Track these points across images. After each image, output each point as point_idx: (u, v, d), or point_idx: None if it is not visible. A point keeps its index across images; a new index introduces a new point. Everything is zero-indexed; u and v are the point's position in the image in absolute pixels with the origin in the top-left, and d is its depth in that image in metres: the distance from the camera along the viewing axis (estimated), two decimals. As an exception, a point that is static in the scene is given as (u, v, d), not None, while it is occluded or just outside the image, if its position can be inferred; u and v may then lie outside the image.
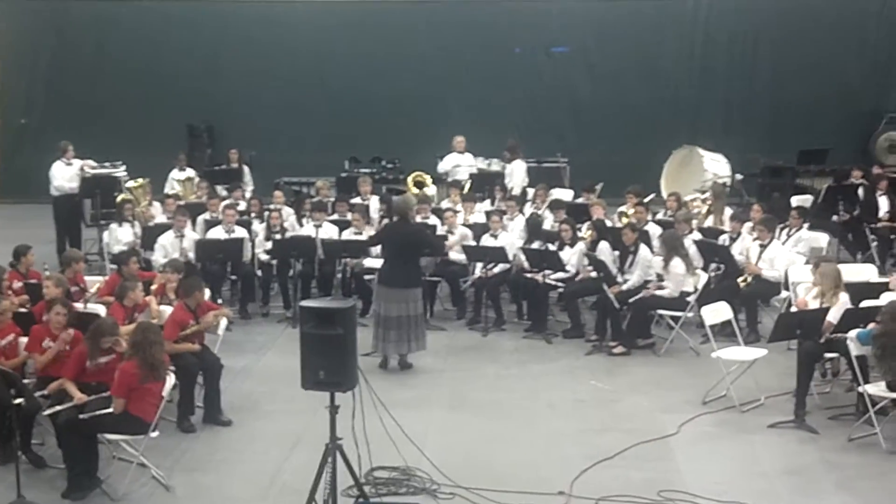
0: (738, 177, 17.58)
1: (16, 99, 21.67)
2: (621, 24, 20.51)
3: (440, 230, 12.90)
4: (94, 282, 10.86)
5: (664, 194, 15.57)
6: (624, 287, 11.42)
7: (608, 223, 12.74)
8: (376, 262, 11.53)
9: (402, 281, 10.53)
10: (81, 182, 15.36)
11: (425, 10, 20.55)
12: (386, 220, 12.43)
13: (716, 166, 16.92)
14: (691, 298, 11.12)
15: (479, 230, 12.99)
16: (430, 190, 15.62)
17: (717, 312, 10.21)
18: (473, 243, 12.66)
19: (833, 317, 9.13)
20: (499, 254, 12.22)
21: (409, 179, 15.74)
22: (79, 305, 9.74)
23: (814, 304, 9.52)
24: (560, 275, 11.97)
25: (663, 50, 20.66)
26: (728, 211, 13.55)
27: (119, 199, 14.36)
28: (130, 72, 20.81)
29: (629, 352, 11.22)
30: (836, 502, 7.69)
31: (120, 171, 16.00)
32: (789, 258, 11.80)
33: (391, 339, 10.50)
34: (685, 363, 10.92)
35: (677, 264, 11.14)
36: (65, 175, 15.43)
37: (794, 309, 10.10)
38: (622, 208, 13.72)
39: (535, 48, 20.82)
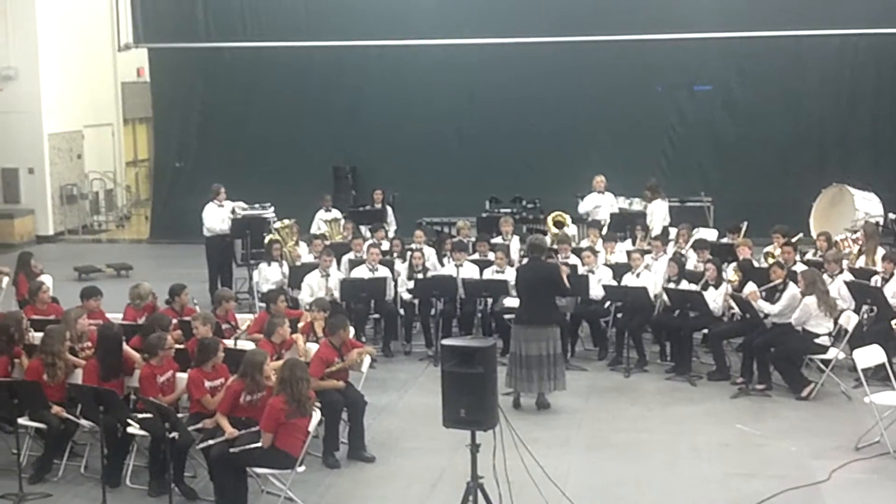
0: (892, 216, 16.99)
1: (170, 144, 22.68)
2: (763, 59, 20.07)
3: (581, 270, 12.83)
4: (244, 319, 11.19)
5: (813, 234, 15.18)
6: (765, 310, 11.20)
7: (755, 263, 12.47)
8: (515, 302, 11.54)
9: (539, 319, 10.54)
10: (232, 223, 15.88)
11: (566, 50, 20.49)
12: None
13: (867, 205, 16.42)
14: (821, 341, 10.92)
15: (620, 270, 12.90)
16: (570, 230, 15.58)
17: (870, 356, 9.88)
18: (614, 283, 12.58)
19: None
20: (640, 294, 12.11)
21: (549, 219, 15.73)
22: (230, 342, 10.07)
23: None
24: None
25: (807, 85, 20.12)
26: (881, 251, 13.09)
27: (267, 239, 14.78)
28: (277, 116, 21.51)
29: (770, 388, 11.04)
30: None
31: (268, 213, 16.56)
32: (947, 300, 11.35)
33: (531, 378, 10.47)
34: (836, 408, 10.60)
35: (811, 301, 10.90)
36: (217, 216, 15.97)
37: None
38: (768, 248, 13.43)
39: (676, 86, 20.61)
